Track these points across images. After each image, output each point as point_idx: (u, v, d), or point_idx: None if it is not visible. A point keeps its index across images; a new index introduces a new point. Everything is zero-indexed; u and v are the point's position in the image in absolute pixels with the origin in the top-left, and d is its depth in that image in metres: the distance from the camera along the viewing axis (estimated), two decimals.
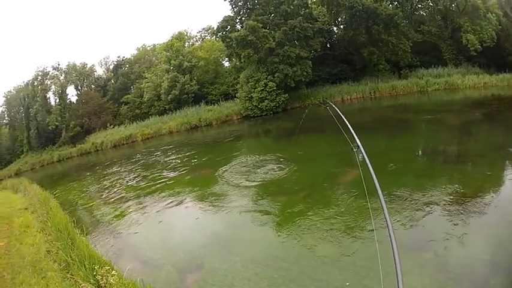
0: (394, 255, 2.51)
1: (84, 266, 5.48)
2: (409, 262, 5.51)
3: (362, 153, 4.04)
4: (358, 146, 4.24)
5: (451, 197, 7.92)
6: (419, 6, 37.63)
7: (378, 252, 3.59)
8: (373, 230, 6.70)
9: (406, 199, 8.08)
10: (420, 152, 13.63)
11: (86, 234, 8.32)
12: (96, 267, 5.33)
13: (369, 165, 3.58)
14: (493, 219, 6.72)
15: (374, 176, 3.40)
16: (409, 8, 35.97)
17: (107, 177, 18.11)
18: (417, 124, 19.08)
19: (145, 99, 34.35)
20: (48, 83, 43.94)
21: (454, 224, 6.70)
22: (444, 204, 7.61)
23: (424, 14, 37.11)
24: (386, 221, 2.98)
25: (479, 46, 30.44)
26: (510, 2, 43.58)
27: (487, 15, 31.29)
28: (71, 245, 6.37)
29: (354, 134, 4.56)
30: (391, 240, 2.66)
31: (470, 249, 5.82)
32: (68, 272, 5.41)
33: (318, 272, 5.85)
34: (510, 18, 36.99)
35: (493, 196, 7.72)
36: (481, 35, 31.29)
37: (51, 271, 5.34)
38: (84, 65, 46.14)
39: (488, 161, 10.76)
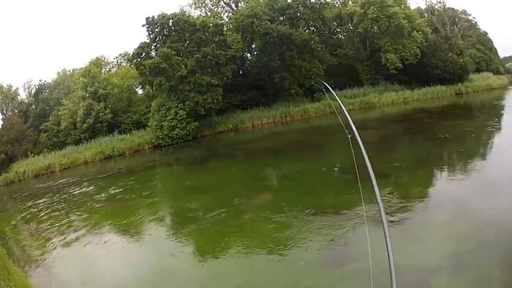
0: (387, 247, 2.59)
1: None
2: (329, 277, 6.21)
3: (357, 139, 4.21)
4: (353, 133, 4.31)
5: (372, 212, 8.33)
6: (338, 30, 39.85)
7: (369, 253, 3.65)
8: (287, 248, 7.50)
9: (325, 219, 8.64)
10: (336, 171, 14.11)
11: (19, 266, 8.16)
12: None
13: (363, 150, 3.86)
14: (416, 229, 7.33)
15: (368, 163, 3.66)
16: (327, 32, 37.93)
17: (30, 209, 17.24)
18: (331, 144, 19.70)
19: (62, 127, 32.98)
20: None
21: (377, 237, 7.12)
22: (362, 219, 7.95)
23: (342, 37, 39.26)
24: (378, 204, 3.19)
25: (400, 64, 32.21)
26: (442, 17, 47.29)
27: (412, 34, 33.28)
28: (8, 275, 6.26)
29: (350, 119, 4.72)
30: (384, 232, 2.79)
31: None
32: None
33: None
34: (441, 34, 39.99)
35: (416, 206, 8.41)
36: (403, 53, 33.28)
37: None
38: (10, 88, 43.77)
39: (408, 173, 11.66)
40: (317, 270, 6.57)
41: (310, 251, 7.26)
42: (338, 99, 5.07)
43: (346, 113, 4.81)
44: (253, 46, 32.05)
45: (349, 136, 4.63)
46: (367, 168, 3.70)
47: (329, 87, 6.06)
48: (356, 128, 4.44)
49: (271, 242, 7.94)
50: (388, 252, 2.48)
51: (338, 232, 7.81)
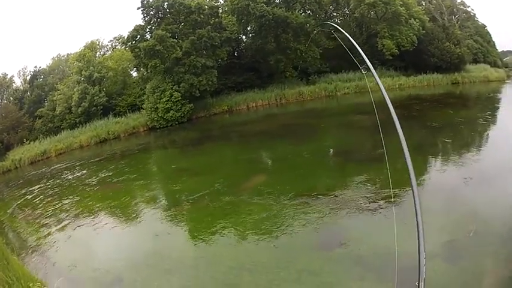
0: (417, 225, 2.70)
1: (22, 285, 5.79)
2: (320, 260, 6.37)
3: (372, 73, 4.10)
4: (368, 68, 4.24)
5: (365, 196, 8.45)
6: (334, 14, 39.57)
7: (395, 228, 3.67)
8: (275, 231, 7.50)
9: (318, 202, 8.72)
10: (331, 154, 14.24)
11: (17, 255, 8.30)
12: (30, 285, 5.78)
13: (381, 85, 3.74)
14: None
15: (386, 96, 3.55)
16: (323, 16, 37.63)
17: (25, 196, 17.24)
18: (325, 127, 19.81)
19: (57, 112, 32.87)
20: None
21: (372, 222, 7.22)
22: (358, 204, 8.08)
23: (339, 21, 38.96)
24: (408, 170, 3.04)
25: (396, 50, 32.16)
26: (441, 7, 47.01)
27: (410, 21, 33.18)
28: (7, 264, 6.45)
29: (364, 55, 4.60)
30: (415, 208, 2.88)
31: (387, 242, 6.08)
32: None
33: (228, 277, 6.24)
34: (438, 23, 39.81)
35: (409, 192, 8.36)
36: (400, 39, 33.21)
37: None
38: (5, 76, 43.55)
39: (401, 160, 11.66)
40: (309, 253, 6.67)
41: (302, 234, 7.28)
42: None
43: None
44: (248, 28, 31.84)
45: (364, 72, 4.56)
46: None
47: (340, 28, 5.81)
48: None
49: (263, 225, 7.99)
50: (418, 240, 2.61)
51: (329, 216, 7.88)
